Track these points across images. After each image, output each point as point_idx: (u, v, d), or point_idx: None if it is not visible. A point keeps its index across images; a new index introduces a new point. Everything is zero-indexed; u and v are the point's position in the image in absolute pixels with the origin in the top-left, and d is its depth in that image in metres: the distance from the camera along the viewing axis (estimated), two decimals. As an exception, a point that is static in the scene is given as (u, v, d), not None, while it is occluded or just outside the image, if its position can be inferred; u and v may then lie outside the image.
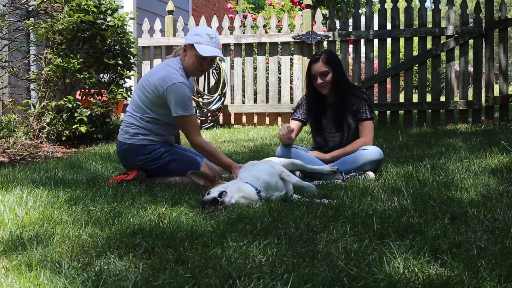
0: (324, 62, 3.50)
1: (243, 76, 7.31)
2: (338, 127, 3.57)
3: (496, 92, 6.54)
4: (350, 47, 7.18)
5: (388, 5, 6.69)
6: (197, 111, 7.05)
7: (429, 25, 6.94)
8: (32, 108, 5.60)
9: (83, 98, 5.54)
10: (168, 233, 2.08)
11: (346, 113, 3.55)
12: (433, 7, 6.52)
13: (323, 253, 1.85)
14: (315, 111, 3.62)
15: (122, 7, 7.13)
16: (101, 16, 5.65)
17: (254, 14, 9.42)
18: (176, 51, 3.43)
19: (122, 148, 3.35)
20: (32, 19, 5.36)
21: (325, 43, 7.08)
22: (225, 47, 7.27)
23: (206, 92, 7.19)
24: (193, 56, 3.26)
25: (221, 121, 7.34)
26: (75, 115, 5.28)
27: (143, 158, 3.28)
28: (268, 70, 7.28)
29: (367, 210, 2.37)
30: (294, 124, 3.64)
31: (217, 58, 7.00)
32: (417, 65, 6.69)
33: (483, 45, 6.39)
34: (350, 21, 7.31)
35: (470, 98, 6.59)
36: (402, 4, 7.96)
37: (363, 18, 6.88)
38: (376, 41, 6.75)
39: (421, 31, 6.51)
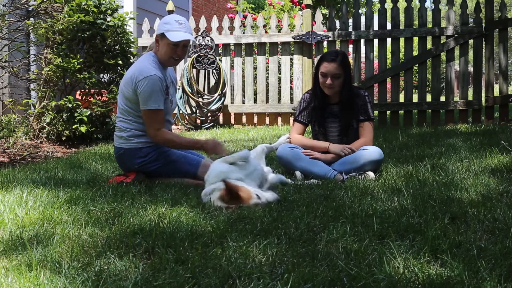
0: (339, 65, 3.44)
1: (243, 76, 7.31)
2: (342, 130, 3.55)
3: (496, 92, 6.54)
4: (350, 47, 7.17)
5: (388, 5, 6.68)
6: (197, 111, 7.05)
7: (429, 25, 6.94)
8: (32, 108, 5.60)
9: (83, 98, 5.55)
10: (168, 233, 2.08)
11: (353, 117, 3.54)
12: (433, 7, 6.52)
13: (323, 253, 1.85)
14: (318, 109, 3.60)
15: (122, 7, 7.13)
16: (101, 16, 5.65)
17: (254, 14, 9.41)
18: (150, 46, 3.44)
19: (119, 153, 3.35)
20: (32, 19, 5.35)
21: (325, 43, 7.08)
22: (225, 47, 7.27)
23: (206, 92, 7.19)
24: (166, 45, 3.26)
25: (221, 121, 7.34)
26: (75, 115, 5.28)
27: (140, 161, 3.27)
28: (268, 70, 7.28)
29: (367, 210, 2.38)
30: (298, 127, 3.66)
31: (217, 59, 7.08)
32: (417, 65, 6.69)
33: (483, 45, 6.39)
34: (350, 21, 7.31)
35: (470, 98, 6.59)
36: (402, 4, 7.96)
37: (363, 18, 6.88)
38: (376, 41, 6.74)
39: (421, 31, 6.51)
